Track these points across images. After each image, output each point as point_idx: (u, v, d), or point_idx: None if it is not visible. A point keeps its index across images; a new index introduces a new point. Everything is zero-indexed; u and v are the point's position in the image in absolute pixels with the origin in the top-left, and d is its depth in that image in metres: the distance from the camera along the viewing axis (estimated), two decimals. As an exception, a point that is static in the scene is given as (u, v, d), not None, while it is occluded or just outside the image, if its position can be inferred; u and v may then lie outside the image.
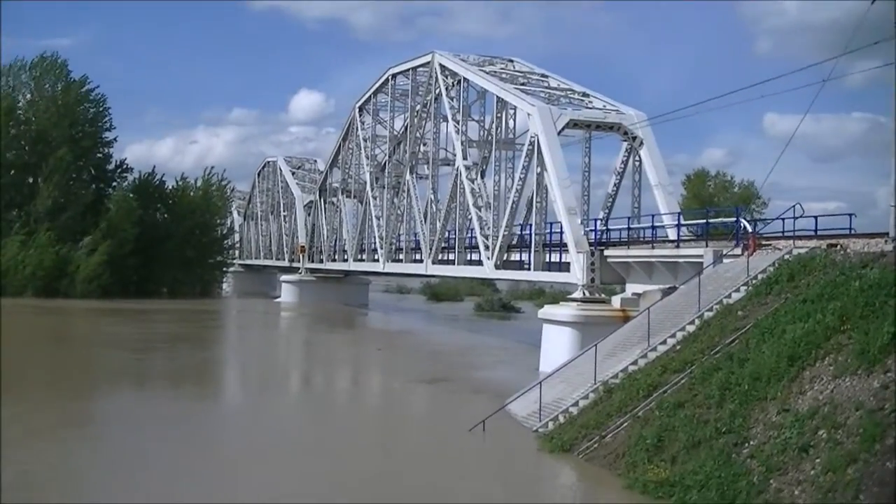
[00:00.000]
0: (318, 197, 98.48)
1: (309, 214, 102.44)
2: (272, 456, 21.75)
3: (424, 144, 67.90)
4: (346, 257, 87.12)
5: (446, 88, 60.08)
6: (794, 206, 30.88)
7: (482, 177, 58.10)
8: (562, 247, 44.26)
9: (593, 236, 43.09)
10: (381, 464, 22.04)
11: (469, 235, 57.10)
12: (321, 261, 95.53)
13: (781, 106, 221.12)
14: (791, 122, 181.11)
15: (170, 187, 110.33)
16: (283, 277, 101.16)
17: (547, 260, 46.77)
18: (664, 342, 24.61)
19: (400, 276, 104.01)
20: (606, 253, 41.39)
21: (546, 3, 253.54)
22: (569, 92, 52.27)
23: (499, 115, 56.97)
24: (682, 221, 41.05)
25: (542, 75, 56.33)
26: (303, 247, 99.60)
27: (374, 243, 77.17)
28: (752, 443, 17.17)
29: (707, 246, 33.42)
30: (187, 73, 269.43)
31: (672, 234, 40.21)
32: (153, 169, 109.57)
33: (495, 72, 56.51)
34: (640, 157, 47.25)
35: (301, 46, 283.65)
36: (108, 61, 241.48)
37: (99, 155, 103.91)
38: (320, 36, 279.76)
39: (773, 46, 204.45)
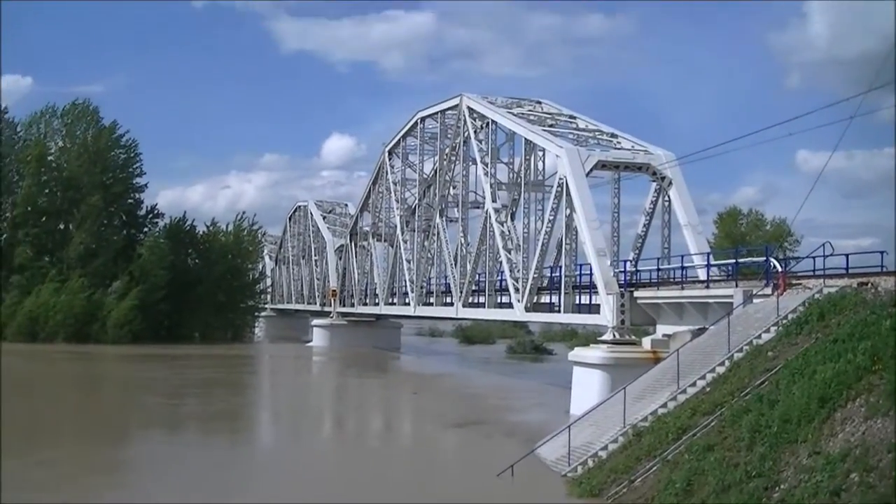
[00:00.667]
0: (349, 241, 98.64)
1: (340, 258, 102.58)
2: (301, 497, 21.67)
3: (454, 187, 67.87)
4: (377, 301, 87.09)
5: (475, 131, 60.18)
6: (823, 244, 30.63)
7: (512, 219, 58.03)
8: (592, 288, 44.04)
9: (623, 277, 42.86)
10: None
11: (499, 278, 56.91)
12: (352, 304, 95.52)
13: (814, 142, 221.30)
14: (823, 159, 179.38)
15: (201, 232, 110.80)
16: (315, 322, 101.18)
17: (577, 302, 46.53)
18: (694, 384, 24.39)
19: (431, 320, 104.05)
20: (636, 294, 41.15)
21: (573, 43, 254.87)
22: (597, 133, 52.25)
23: (527, 157, 57.04)
24: (712, 262, 40.76)
25: (571, 116, 56.36)
26: (334, 291, 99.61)
27: (405, 286, 77.04)
28: (782, 486, 16.89)
29: (737, 286, 33.15)
30: (219, 119, 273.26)
31: (702, 275, 39.92)
32: (184, 214, 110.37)
33: (523, 114, 56.62)
34: (669, 196, 47.05)
35: (332, 90, 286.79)
36: (139, 108, 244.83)
37: (130, 201, 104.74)
38: (351, 79, 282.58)
39: (802, 80, 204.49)
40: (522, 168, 57.80)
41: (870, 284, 24.85)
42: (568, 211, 46.34)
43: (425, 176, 77.27)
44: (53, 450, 27.85)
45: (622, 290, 41.32)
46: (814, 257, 31.30)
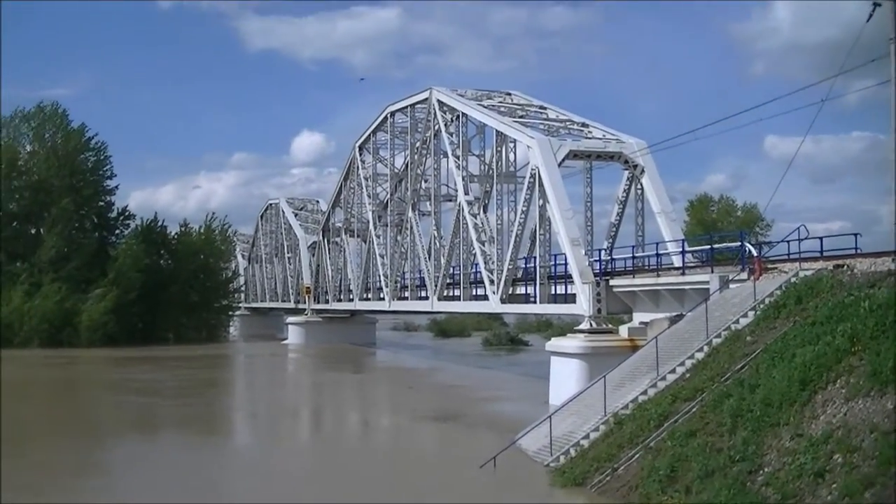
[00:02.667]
0: (321, 237, 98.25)
1: (313, 255, 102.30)
2: (281, 498, 21.56)
3: (426, 181, 67.81)
4: (351, 297, 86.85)
5: (445, 124, 60.06)
6: (798, 228, 30.76)
7: (485, 211, 57.91)
8: (567, 278, 44.04)
9: (598, 266, 42.88)
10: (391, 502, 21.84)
11: (474, 270, 56.84)
12: (327, 301, 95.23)
13: (781, 128, 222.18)
14: (791, 144, 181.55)
15: (173, 233, 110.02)
16: (290, 319, 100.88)
17: (553, 292, 46.52)
18: (673, 371, 24.43)
19: (406, 314, 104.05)
20: (612, 283, 41.18)
21: (539, 36, 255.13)
22: (568, 123, 52.21)
23: (499, 148, 56.87)
24: (687, 248, 40.81)
25: (541, 107, 56.31)
26: (308, 288, 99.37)
27: (379, 282, 76.86)
28: (766, 470, 16.93)
29: (713, 272, 33.25)
30: (187, 119, 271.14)
31: (677, 262, 39.99)
32: (155, 215, 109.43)
33: (493, 105, 56.51)
34: (641, 185, 47.14)
35: (300, 88, 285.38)
36: (107, 109, 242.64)
37: (101, 203, 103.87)
38: (318, 77, 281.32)
39: (767, 67, 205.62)
40: (494, 160, 57.66)
41: (845, 266, 24.96)
42: (541, 201, 46.30)
43: (396, 170, 77.19)
44: (36, 453, 27.63)
45: (598, 279, 41.33)
46: (788, 241, 31.47)
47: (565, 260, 43.75)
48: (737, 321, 25.15)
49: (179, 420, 38.82)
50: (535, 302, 47.96)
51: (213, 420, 39.86)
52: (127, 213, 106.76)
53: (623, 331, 39.38)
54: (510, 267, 50.09)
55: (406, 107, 69.94)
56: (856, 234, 29.66)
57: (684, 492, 17.96)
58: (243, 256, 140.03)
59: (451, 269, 60.68)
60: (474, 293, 57.54)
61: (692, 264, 38.78)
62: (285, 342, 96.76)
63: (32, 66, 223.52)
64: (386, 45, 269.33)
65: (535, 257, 48.48)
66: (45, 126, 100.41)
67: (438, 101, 60.81)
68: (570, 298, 43.90)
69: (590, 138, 49.04)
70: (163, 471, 25.71)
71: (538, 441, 25.60)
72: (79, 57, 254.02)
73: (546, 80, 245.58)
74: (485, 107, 55.86)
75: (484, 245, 53.61)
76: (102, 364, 70.30)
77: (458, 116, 59.40)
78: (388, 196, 78.82)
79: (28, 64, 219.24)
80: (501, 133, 53.72)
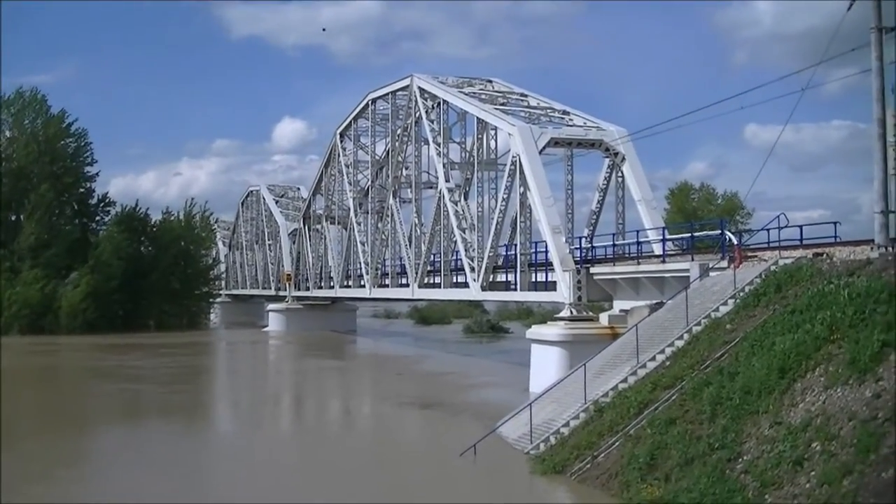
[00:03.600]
0: (302, 224, 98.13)
1: (294, 242, 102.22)
2: (264, 487, 21.55)
3: (406, 168, 67.68)
4: (332, 284, 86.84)
5: (426, 111, 59.94)
6: (778, 216, 30.85)
7: (465, 198, 57.73)
8: (548, 266, 44.08)
9: (579, 254, 42.92)
10: (372, 491, 21.81)
11: (454, 258, 56.85)
12: (307, 288, 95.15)
13: (762, 116, 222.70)
14: (772, 133, 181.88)
15: (154, 220, 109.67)
16: (270, 306, 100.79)
17: (533, 279, 46.55)
18: (653, 359, 24.46)
19: (387, 301, 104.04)
20: (592, 270, 41.23)
21: (522, 24, 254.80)
22: (549, 110, 52.21)
23: (480, 136, 56.61)
24: (667, 236, 40.89)
25: (522, 94, 56.25)
26: (288, 275, 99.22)
27: (360, 269, 76.85)
28: (745, 458, 16.99)
29: (693, 260, 33.27)
30: (169, 106, 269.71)
31: (657, 250, 40.09)
32: (136, 202, 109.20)
33: (474, 93, 56.41)
34: (622, 172, 47.21)
35: (282, 75, 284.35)
36: (88, 96, 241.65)
37: (81, 190, 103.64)
38: (301, 64, 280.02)
39: (749, 56, 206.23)
40: (475, 147, 57.41)
41: (825, 255, 25.01)
42: (522, 189, 46.30)
43: (377, 157, 76.99)
44: (22, 443, 27.58)
45: (578, 266, 41.40)
46: (768, 229, 31.55)
47: (546, 247, 43.77)
48: (717, 309, 25.19)
49: (161, 408, 38.71)
50: (515, 289, 47.98)
51: (196, 408, 39.71)
52: (108, 200, 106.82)
53: (603, 318, 39.43)
54: (491, 254, 50.07)
55: (387, 94, 69.89)
56: (835, 223, 29.77)
57: (664, 479, 18.02)
58: (224, 243, 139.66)
59: (432, 256, 60.59)
60: (455, 280, 57.49)
61: (672, 252, 38.88)
62: (266, 329, 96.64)
63: (13, 53, 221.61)
64: (369, 32, 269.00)
65: (515, 245, 48.46)
66: (24, 112, 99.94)
67: (419, 88, 60.67)
68: (550, 286, 43.93)
69: (571, 126, 49.06)
70: (146, 460, 25.60)
71: (518, 429, 25.64)
72: (60, 44, 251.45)
73: (528, 69, 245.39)
74: (466, 94, 55.74)
75: (465, 232, 53.54)
76: (84, 351, 69.94)
77: (439, 104, 59.15)
78: (369, 183, 78.63)
79: (7, 51, 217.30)
80: (482, 120, 53.54)
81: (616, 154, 47.22)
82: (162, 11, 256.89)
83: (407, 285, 65.09)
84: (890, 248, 22.23)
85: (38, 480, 22.73)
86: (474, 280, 51.30)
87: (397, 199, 68.39)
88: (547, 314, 51.62)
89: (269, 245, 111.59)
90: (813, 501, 14.70)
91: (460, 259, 54.02)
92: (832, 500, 14.36)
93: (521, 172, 45.61)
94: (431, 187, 63.86)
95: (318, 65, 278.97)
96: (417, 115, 62.05)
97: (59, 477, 23.43)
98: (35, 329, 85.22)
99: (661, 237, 40.47)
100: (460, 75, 61.29)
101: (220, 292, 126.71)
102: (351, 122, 79.65)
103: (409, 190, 67.44)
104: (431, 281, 61.55)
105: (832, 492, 14.49)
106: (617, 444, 20.76)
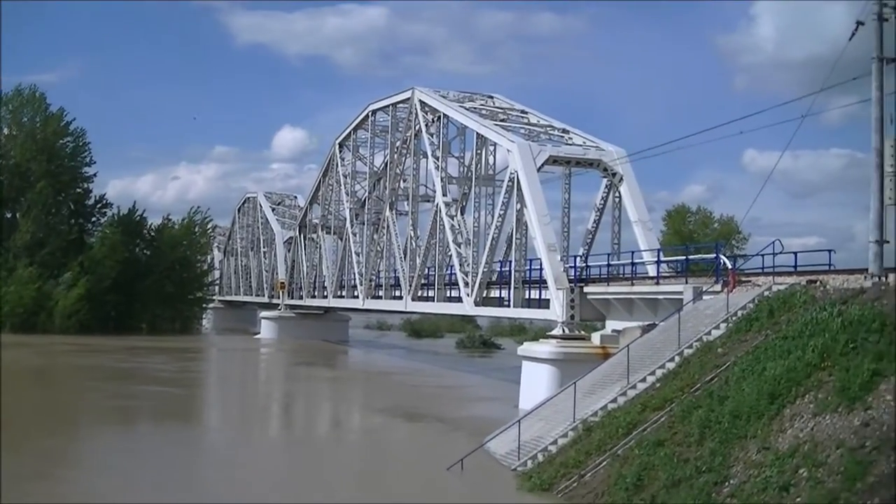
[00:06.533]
0: (297, 233, 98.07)
1: (289, 251, 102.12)
2: (253, 497, 21.50)
3: (404, 181, 67.73)
4: (325, 294, 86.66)
5: (426, 124, 60.03)
6: (773, 243, 30.93)
7: (462, 213, 57.66)
8: (541, 283, 44.05)
9: (573, 273, 42.90)
10: (358, 502, 21.79)
11: (449, 272, 56.85)
12: (301, 297, 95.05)
13: (761, 142, 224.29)
14: (770, 159, 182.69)
15: (151, 224, 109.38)
16: (263, 314, 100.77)
17: (527, 297, 46.51)
18: (644, 380, 24.48)
19: (380, 313, 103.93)
20: (586, 290, 41.22)
21: (525, 41, 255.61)
22: (549, 128, 52.23)
23: (479, 151, 56.50)
24: (662, 258, 40.92)
25: (522, 111, 56.28)
26: (282, 283, 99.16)
27: (354, 280, 76.86)
28: (732, 482, 16.97)
29: (687, 282, 33.33)
30: (170, 110, 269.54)
31: (652, 271, 40.13)
32: (134, 204, 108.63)
33: (475, 108, 56.42)
34: (620, 193, 47.17)
35: (284, 83, 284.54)
36: (90, 97, 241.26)
37: (78, 190, 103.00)
38: (304, 73, 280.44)
39: (750, 82, 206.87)
40: (473, 162, 57.31)
41: (818, 282, 25.06)
42: (518, 206, 46.28)
43: (376, 169, 77.04)
44: (18, 443, 27.53)
45: (572, 285, 41.37)
46: (763, 255, 31.63)
47: (540, 265, 43.71)
48: (709, 333, 25.23)
49: (152, 412, 38.71)
50: (508, 306, 47.95)
51: (187, 413, 39.78)
52: (104, 201, 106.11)
53: (595, 338, 39.41)
54: (485, 270, 50.03)
55: (388, 105, 69.96)
56: (830, 251, 29.90)
57: (650, 501, 18.01)
58: (219, 249, 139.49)
59: (427, 269, 60.67)
60: (448, 295, 57.50)
61: (667, 274, 38.87)
62: (258, 336, 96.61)
63: (17, 52, 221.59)
64: (373, 44, 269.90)
65: (510, 261, 48.43)
66: (22, 110, 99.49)
67: (420, 101, 60.75)
68: (543, 303, 43.93)
69: (570, 144, 49.07)
70: (137, 463, 25.52)
71: (506, 445, 25.61)
72: (65, 46, 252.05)
73: (529, 86, 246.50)
74: (466, 109, 55.75)
75: (460, 247, 53.53)
76: (76, 352, 69.64)
77: (439, 117, 59.22)
78: (366, 194, 78.70)
79: (12, 51, 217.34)
80: (482, 136, 53.48)
81: (614, 174, 47.21)
82: (169, 15, 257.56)
83: (400, 298, 65.04)
84: (884, 278, 22.30)
85: (37, 480, 22.66)
86: (468, 295, 51.24)
87: (394, 212, 68.39)
88: (540, 331, 51.63)
89: (264, 252, 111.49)
90: (798, 528, 14.71)
91: (454, 273, 54.00)
92: (817, 528, 14.37)
93: (519, 189, 45.59)
94: (428, 201, 63.83)
95: (320, 75, 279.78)
96: (417, 128, 62.09)
97: (59, 477, 23.40)
98: (27, 328, 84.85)
99: (655, 259, 40.48)
100: (461, 90, 61.38)
101: (213, 298, 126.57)
102: (350, 132, 79.64)
103: (405, 202, 67.53)
104: (425, 294, 61.50)
105: (818, 519, 14.49)
106: (604, 463, 20.74)
